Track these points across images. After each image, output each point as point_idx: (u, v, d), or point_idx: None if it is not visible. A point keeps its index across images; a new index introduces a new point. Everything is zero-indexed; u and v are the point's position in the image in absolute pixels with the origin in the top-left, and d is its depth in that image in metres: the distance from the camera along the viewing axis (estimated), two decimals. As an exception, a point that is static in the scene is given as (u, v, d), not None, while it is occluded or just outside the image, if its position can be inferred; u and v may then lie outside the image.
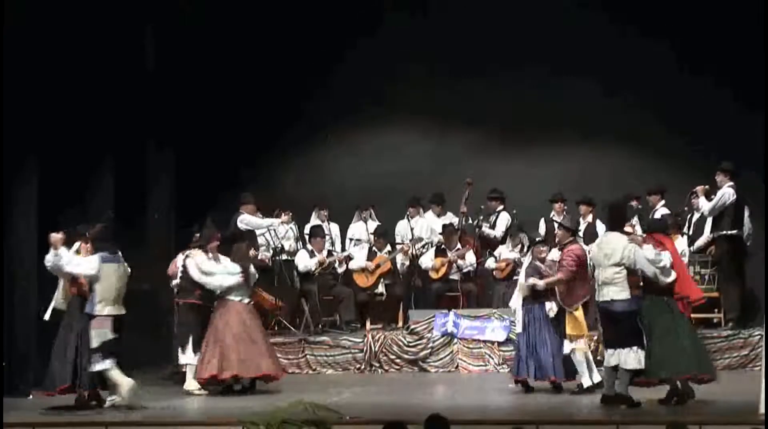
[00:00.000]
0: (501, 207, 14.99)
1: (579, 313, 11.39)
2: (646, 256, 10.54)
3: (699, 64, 14.94)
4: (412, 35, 15.69)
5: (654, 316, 10.57)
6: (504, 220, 14.88)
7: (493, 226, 14.91)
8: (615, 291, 10.60)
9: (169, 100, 14.81)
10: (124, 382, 11.00)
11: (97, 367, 10.96)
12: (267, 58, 15.69)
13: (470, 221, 15.00)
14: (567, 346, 11.42)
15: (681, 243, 13.09)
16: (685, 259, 12.67)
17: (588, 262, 11.37)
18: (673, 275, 10.55)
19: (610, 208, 11.41)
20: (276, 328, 14.54)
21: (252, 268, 12.41)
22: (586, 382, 11.44)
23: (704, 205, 13.52)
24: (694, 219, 14.01)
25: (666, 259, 10.55)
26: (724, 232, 13.46)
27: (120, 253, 11.28)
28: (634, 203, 14.28)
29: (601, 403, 10.63)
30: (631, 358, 10.50)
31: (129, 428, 10.45)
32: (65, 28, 12.73)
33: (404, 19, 15.82)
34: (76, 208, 12.97)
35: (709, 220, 13.67)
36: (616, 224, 11.00)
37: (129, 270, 11.31)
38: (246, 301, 12.14)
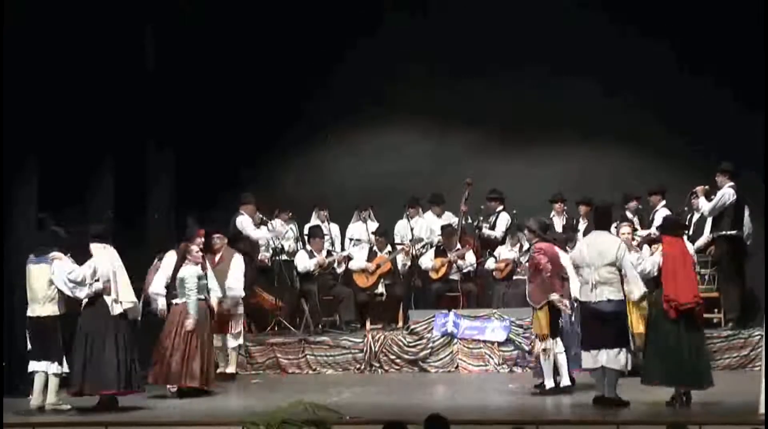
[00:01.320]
0: (501, 207, 14.99)
1: (543, 313, 11.28)
2: (630, 259, 10.64)
3: (699, 64, 14.93)
4: (412, 35, 15.69)
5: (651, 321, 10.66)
6: (504, 220, 14.87)
7: (492, 227, 14.92)
8: (611, 291, 10.62)
9: (169, 100, 14.80)
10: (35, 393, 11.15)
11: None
12: (267, 58, 15.69)
13: (470, 221, 15.00)
14: (537, 346, 11.35)
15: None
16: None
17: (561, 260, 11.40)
18: None
19: (596, 210, 11.45)
20: (276, 328, 14.55)
21: (183, 275, 11.96)
22: (549, 384, 11.36)
23: (704, 205, 13.52)
24: (694, 219, 14.01)
25: (647, 265, 10.58)
26: (724, 232, 13.47)
27: (49, 255, 11.19)
28: (633, 203, 14.30)
29: (594, 404, 10.61)
30: (621, 358, 10.55)
31: (129, 428, 10.46)
32: (65, 28, 12.72)
33: (404, 19, 15.82)
34: (76, 208, 12.96)
35: (709, 220, 13.68)
36: (603, 225, 11.00)
37: (51, 271, 11.12)
38: (181, 301, 11.84)
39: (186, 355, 11.67)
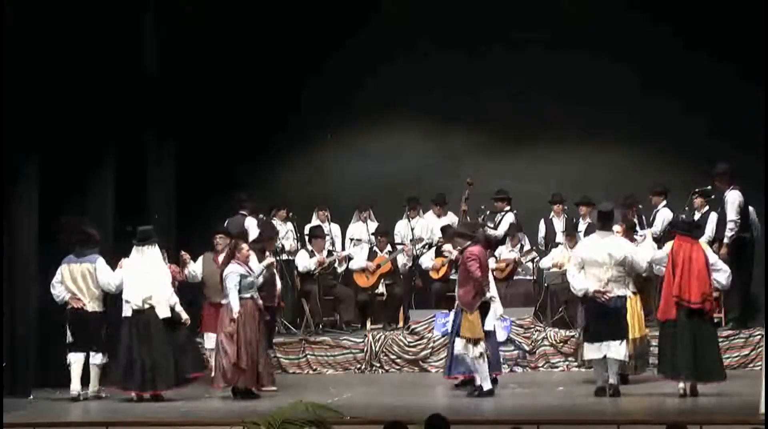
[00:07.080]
0: (507, 207, 14.96)
1: (475, 316, 11.28)
2: (642, 254, 11.22)
3: (700, 64, 14.94)
4: (412, 35, 15.68)
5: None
6: (508, 220, 14.84)
7: (496, 227, 14.89)
8: (619, 288, 11.08)
9: (170, 100, 14.79)
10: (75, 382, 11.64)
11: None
12: (267, 58, 15.69)
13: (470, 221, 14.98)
14: (459, 345, 11.30)
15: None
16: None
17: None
18: None
19: (599, 213, 11.61)
20: (276, 328, 14.53)
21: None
22: (487, 385, 11.35)
23: (730, 226, 13.40)
24: (695, 219, 13.98)
25: (660, 253, 11.17)
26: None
27: (89, 255, 11.72)
28: (631, 211, 14.27)
29: (596, 395, 11.01)
30: (623, 349, 11.02)
31: (129, 428, 10.46)
32: (66, 27, 12.71)
33: (404, 19, 15.81)
34: (76, 208, 12.96)
35: (713, 221, 13.64)
36: (606, 227, 11.31)
37: (89, 269, 11.67)
38: (225, 301, 11.78)
39: (232, 356, 11.53)
